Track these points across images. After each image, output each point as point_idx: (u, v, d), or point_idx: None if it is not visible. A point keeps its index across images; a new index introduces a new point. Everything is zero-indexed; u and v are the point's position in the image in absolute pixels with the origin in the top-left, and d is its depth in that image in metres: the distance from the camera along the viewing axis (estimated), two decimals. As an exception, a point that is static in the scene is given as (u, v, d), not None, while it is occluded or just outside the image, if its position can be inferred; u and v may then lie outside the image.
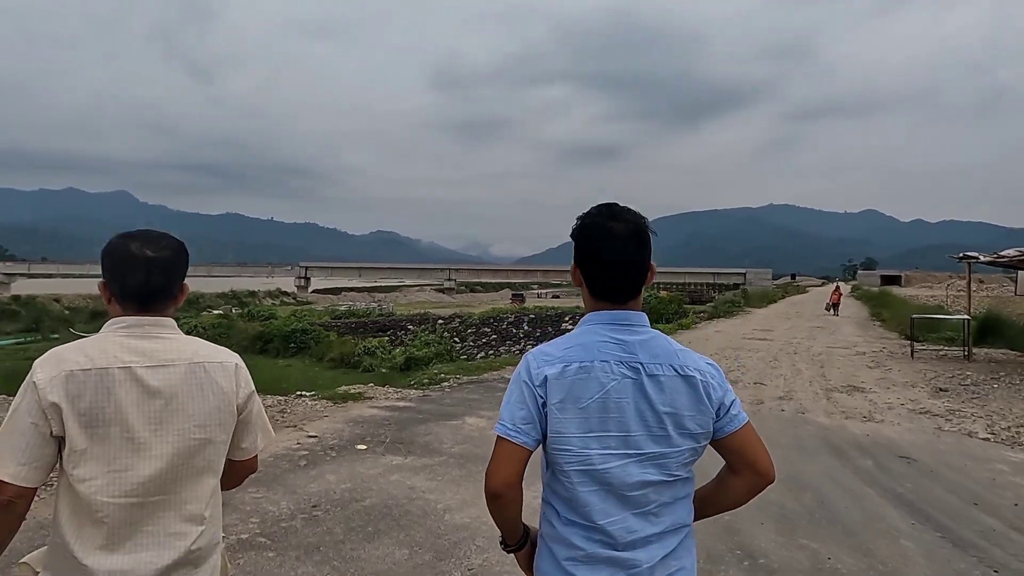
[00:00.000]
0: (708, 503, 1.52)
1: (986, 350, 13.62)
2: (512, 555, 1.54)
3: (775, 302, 40.78)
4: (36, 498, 1.42)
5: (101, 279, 1.52)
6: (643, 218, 1.46)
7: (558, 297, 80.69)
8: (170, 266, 1.51)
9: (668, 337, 1.46)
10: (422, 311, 43.87)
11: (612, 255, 1.41)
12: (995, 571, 3.52)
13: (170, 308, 1.55)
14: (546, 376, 1.36)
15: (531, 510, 1.52)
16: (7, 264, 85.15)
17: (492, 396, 8.18)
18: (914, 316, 14.68)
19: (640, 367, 1.37)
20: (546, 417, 1.36)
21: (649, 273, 1.46)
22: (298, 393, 8.25)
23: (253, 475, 1.76)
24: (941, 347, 14.27)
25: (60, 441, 1.39)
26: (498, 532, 1.51)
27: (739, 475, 1.46)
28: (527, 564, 1.52)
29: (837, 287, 32.44)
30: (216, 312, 47.87)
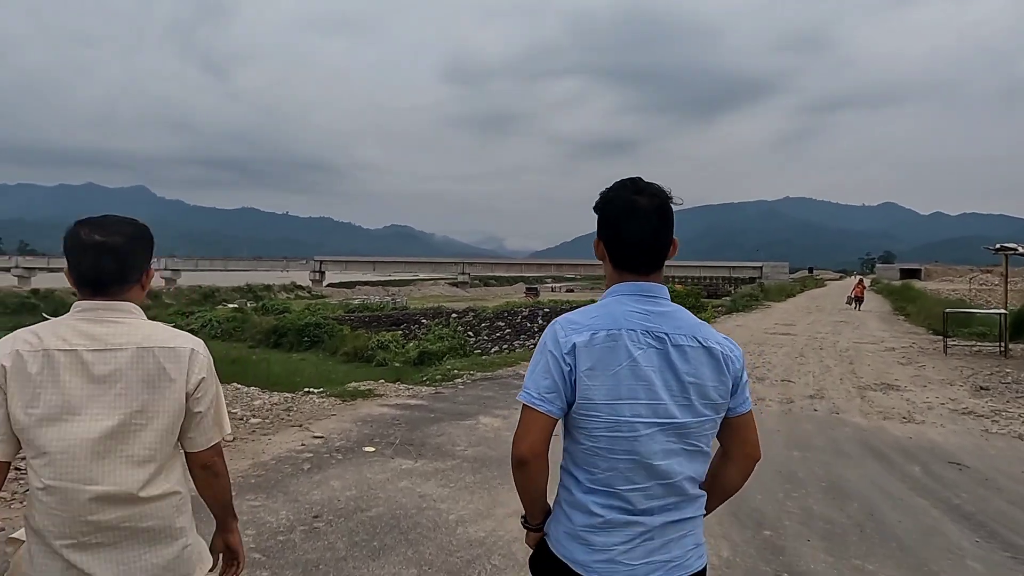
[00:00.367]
0: (709, 492, 1.51)
1: (1023, 346, 13.05)
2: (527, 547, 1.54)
3: (794, 296, 40.02)
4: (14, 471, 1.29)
5: (65, 267, 1.53)
6: (667, 192, 1.47)
7: (572, 291, 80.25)
8: (122, 251, 1.48)
9: (689, 312, 1.48)
10: (436, 305, 43.69)
11: (636, 229, 1.43)
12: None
13: (128, 293, 1.52)
14: (574, 344, 1.36)
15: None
16: (27, 258, 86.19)
17: (507, 394, 7.82)
18: (947, 311, 14.07)
19: (666, 337, 1.39)
20: (574, 385, 1.36)
21: (672, 247, 1.47)
22: (306, 390, 7.94)
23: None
24: (973, 342, 13.69)
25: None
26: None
27: (732, 460, 1.50)
28: (533, 545, 1.55)
29: (860, 281, 31.64)
30: (231, 306, 48.04)
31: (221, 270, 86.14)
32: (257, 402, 7.03)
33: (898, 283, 47.13)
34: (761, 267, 76.86)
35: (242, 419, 6.24)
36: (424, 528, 3.73)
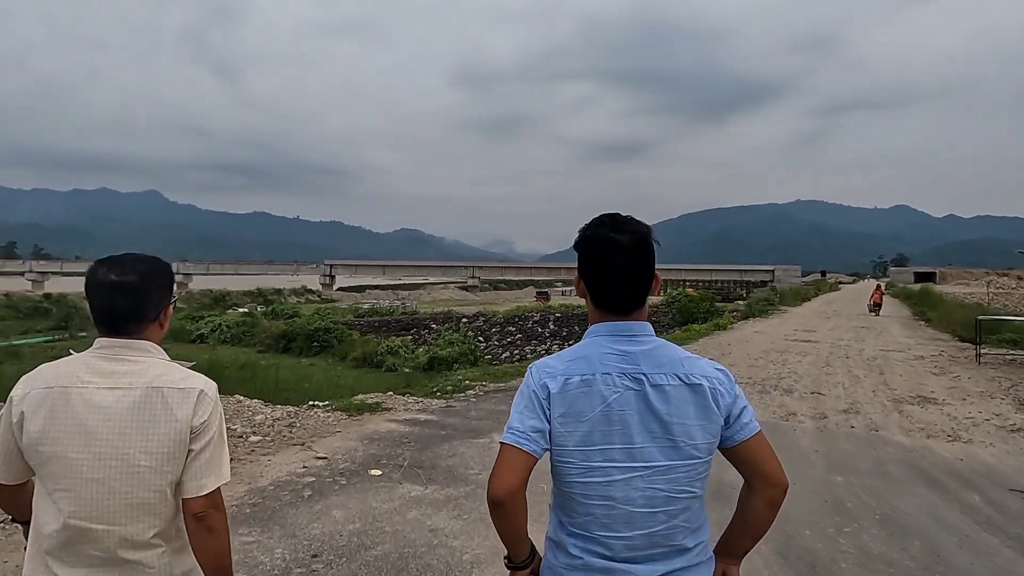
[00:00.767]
0: (737, 535, 1.47)
1: (1060, 355, 12.48)
2: None
3: (809, 300, 39.33)
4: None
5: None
6: (646, 228, 1.43)
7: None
8: (136, 290, 1.49)
9: (675, 345, 1.44)
10: (446, 309, 43.32)
11: (615, 267, 1.39)
12: None
13: (145, 331, 1.53)
14: (548, 389, 1.35)
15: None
16: (41, 263, 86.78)
17: (522, 407, 7.39)
18: (981, 318, 13.50)
19: (644, 378, 1.35)
20: (551, 427, 1.35)
21: (654, 282, 1.43)
22: (310, 403, 7.56)
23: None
24: (1006, 351, 13.11)
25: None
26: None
27: (754, 491, 1.41)
28: None
29: (878, 286, 30.93)
30: (241, 310, 47.89)
31: (232, 274, 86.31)
32: (258, 417, 6.65)
33: (916, 287, 46.27)
34: (773, 270, 75.98)
35: (242, 436, 5.87)
36: (435, 571, 3.32)
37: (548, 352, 23.60)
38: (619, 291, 1.40)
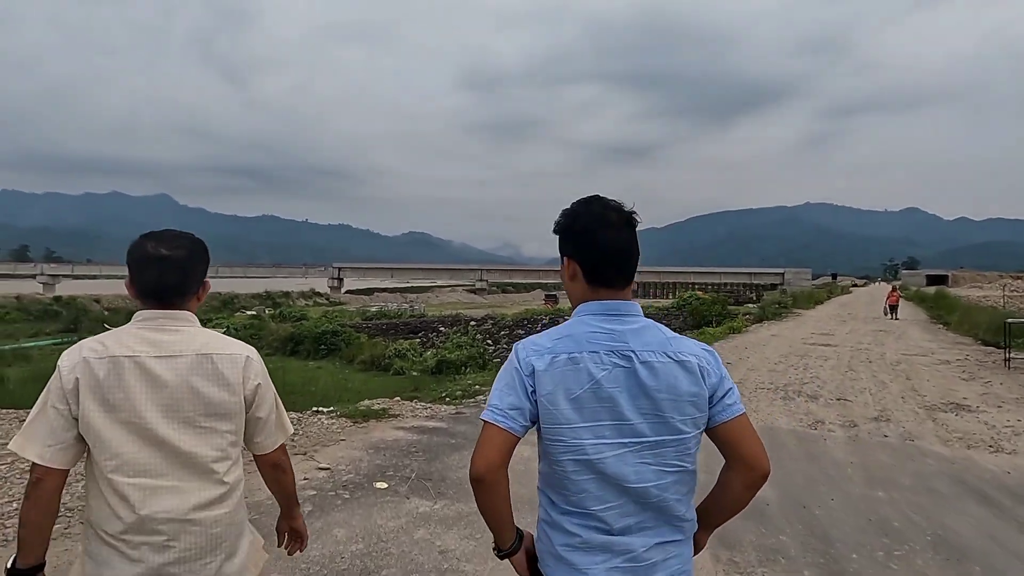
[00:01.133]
0: (712, 508, 1.49)
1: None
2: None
3: (821, 303, 38.77)
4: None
5: (127, 278, 1.62)
6: (630, 209, 1.46)
7: (591, 298, 78.97)
8: (184, 264, 1.59)
9: (662, 326, 1.45)
10: (454, 312, 43.03)
11: (612, 238, 1.41)
12: None
13: (188, 303, 1.62)
14: (534, 367, 1.36)
15: None
16: (52, 265, 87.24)
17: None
18: (1010, 321, 13.04)
19: (632, 355, 1.36)
20: (536, 406, 1.36)
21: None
22: (315, 409, 7.25)
23: None
24: (1035, 355, 12.64)
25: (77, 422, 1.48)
26: None
27: (733, 470, 1.41)
28: (523, 570, 1.48)
29: (894, 288, 30.34)
30: (249, 313, 47.79)
31: (241, 277, 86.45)
32: (259, 424, 6.34)
33: (931, 290, 45.58)
34: (783, 273, 75.27)
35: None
36: (446, 601, 2.99)
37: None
38: (614, 266, 1.42)
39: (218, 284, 75.91)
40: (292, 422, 6.09)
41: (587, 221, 1.42)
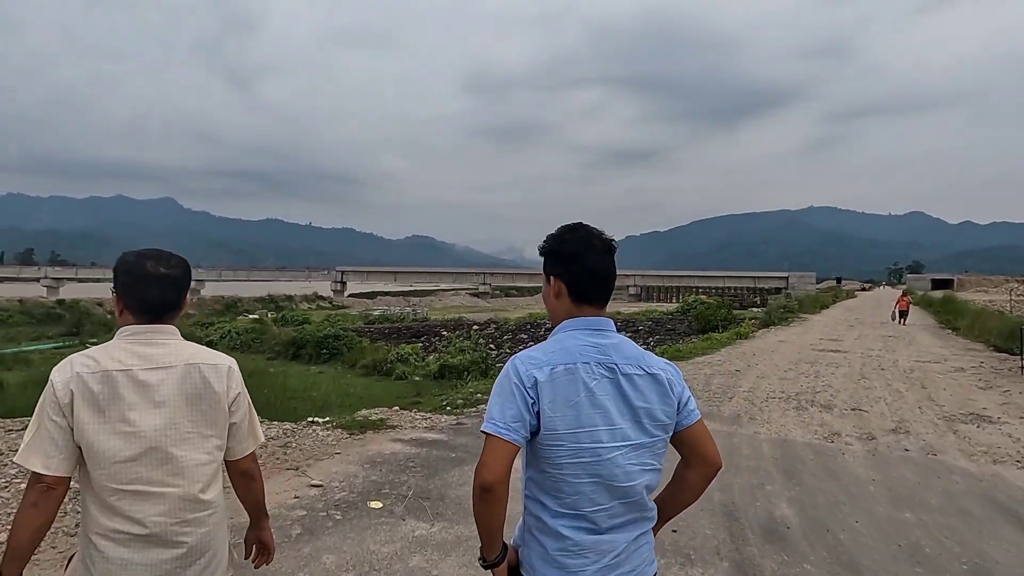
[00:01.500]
0: (669, 503, 1.66)
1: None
2: None
3: (827, 307, 38.35)
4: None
5: (114, 293, 1.69)
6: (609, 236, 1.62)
7: (595, 301, 78.48)
8: (180, 282, 1.71)
9: (631, 341, 1.60)
10: (457, 316, 42.79)
11: (596, 264, 1.57)
12: None
13: (176, 317, 1.72)
14: (536, 379, 1.44)
15: None
16: (56, 269, 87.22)
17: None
18: (1026, 327, 12.71)
19: (616, 367, 1.50)
20: (538, 416, 1.44)
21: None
22: (310, 420, 6.98)
23: None
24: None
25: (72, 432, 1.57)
26: None
27: (692, 467, 1.60)
28: None
29: (904, 293, 29.92)
30: (252, 316, 47.61)
31: (244, 280, 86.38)
32: (252, 435, 6.08)
33: (939, 294, 45.15)
34: (787, 277, 74.81)
35: (230, 459, 5.30)
36: (442, 642, 2.71)
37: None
38: (597, 287, 1.56)
39: (222, 287, 76.04)
40: (281, 436, 5.76)
41: (574, 246, 1.57)
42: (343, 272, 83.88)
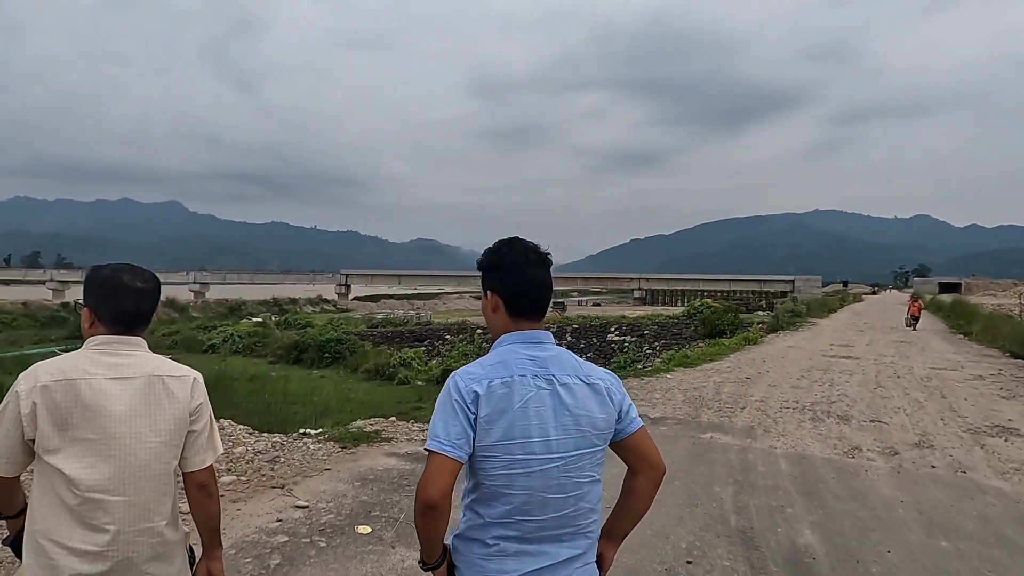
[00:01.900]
0: (621, 518, 1.65)
1: None
2: None
3: (835, 311, 37.88)
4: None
5: (83, 305, 1.73)
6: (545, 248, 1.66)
7: (599, 305, 78.34)
8: (154, 296, 1.76)
9: (571, 352, 1.62)
10: (460, 319, 42.46)
11: (531, 278, 1.59)
12: None
13: (144, 331, 1.76)
14: (476, 393, 1.46)
15: None
16: (62, 271, 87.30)
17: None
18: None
19: (553, 378, 1.52)
20: (475, 430, 1.45)
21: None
22: (301, 431, 6.65)
23: None
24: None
25: (33, 442, 1.59)
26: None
27: (639, 474, 1.61)
28: None
29: (916, 298, 29.43)
30: (255, 320, 47.35)
31: (249, 283, 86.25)
32: (238, 449, 5.75)
33: (947, 298, 44.59)
34: (793, 281, 74.28)
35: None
36: None
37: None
38: (533, 300, 1.59)
39: (226, 291, 75.94)
40: (270, 449, 5.38)
41: (512, 259, 1.58)
42: (347, 275, 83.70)
